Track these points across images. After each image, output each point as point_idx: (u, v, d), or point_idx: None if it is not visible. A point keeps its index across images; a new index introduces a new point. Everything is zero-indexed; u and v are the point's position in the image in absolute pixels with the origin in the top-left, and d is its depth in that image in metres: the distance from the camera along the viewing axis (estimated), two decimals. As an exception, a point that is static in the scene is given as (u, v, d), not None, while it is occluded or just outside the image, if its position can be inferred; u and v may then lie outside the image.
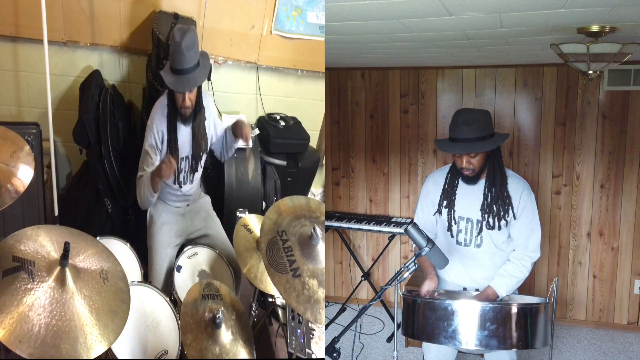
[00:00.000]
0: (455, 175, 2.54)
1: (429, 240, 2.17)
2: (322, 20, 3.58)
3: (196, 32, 2.67)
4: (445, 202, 2.55)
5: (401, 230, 4.04)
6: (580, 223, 4.03)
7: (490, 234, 2.49)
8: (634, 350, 3.79)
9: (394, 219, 4.29)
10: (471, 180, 2.48)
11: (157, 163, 2.76)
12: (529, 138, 4.03)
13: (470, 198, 2.51)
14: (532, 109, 4.01)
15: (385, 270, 4.58)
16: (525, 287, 3.92)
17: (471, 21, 1.95)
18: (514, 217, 2.46)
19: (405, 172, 4.39)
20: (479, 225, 2.50)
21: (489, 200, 2.46)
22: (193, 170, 2.94)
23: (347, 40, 2.57)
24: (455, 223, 2.53)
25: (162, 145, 2.80)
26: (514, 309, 2.20)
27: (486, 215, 2.46)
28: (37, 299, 1.59)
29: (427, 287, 2.50)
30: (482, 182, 2.49)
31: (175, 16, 3.28)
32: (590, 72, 2.18)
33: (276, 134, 3.68)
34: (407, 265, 2.22)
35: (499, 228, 2.47)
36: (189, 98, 2.73)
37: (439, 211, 2.56)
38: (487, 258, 2.54)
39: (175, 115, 2.79)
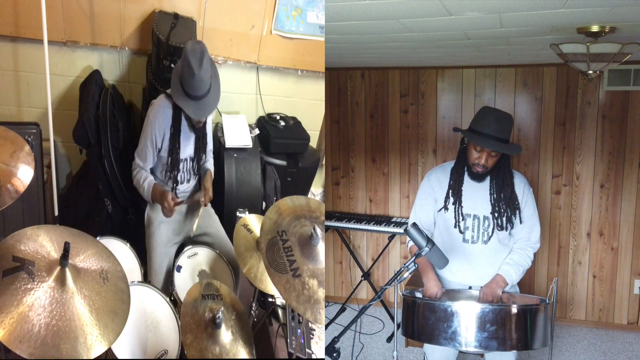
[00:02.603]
0: (461, 172, 2.54)
1: (428, 240, 2.17)
2: (322, 20, 3.58)
3: (206, 48, 2.69)
4: (452, 199, 2.55)
5: (401, 230, 4.04)
6: (580, 223, 4.03)
7: (497, 232, 2.53)
8: (633, 350, 3.79)
9: (393, 219, 4.29)
10: (479, 177, 2.50)
11: (150, 157, 2.83)
12: (529, 138, 4.03)
13: (476, 195, 2.53)
14: (532, 109, 4.01)
15: (385, 270, 4.58)
16: (525, 287, 3.94)
17: (471, 21, 1.95)
18: (520, 221, 2.52)
19: (405, 172, 4.39)
20: (487, 222, 2.52)
21: (498, 202, 2.49)
22: (194, 173, 2.98)
23: (347, 40, 2.57)
24: (463, 219, 2.54)
25: (163, 143, 2.82)
26: (514, 310, 2.20)
27: (497, 215, 2.50)
28: (37, 299, 1.59)
29: (433, 293, 2.50)
30: (487, 181, 2.52)
31: (175, 16, 3.27)
32: (590, 72, 2.18)
33: (276, 134, 3.68)
34: (407, 265, 2.22)
35: (507, 229, 2.52)
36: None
37: (445, 207, 2.57)
38: (493, 254, 2.57)
39: (180, 120, 2.80)
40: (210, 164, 3.10)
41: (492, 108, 2.54)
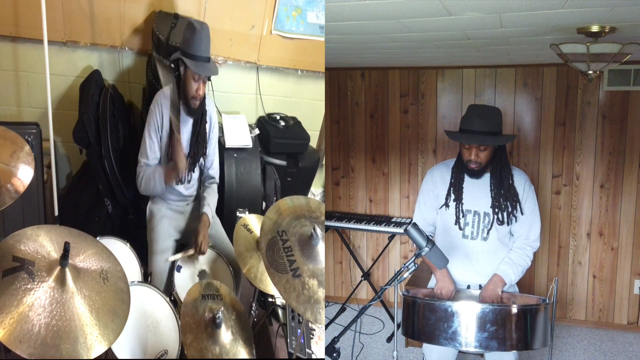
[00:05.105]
0: (461, 170, 2.56)
1: (428, 240, 2.17)
2: (322, 20, 3.58)
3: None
4: (453, 195, 2.57)
5: (401, 230, 4.03)
6: (580, 223, 4.03)
7: (497, 228, 2.53)
8: (633, 350, 3.79)
9: (393, 219, 4.29)
10: (475, 174, 2.52)
11: (156, 148, 2.80)
12: (529, 138, 4.03)
13: (476, 192, 2.54)
14: (532, 109, 4.01)
15: (385, 270, 4.58)
16: (525, 287, 3.93)
17: (471, 21, 1.95)
18: (522, 213, 2.53)
19: (405, 172, 4.39)
20: (487, 218, 2.53)
21: (498, 196, 2.50)
22: (189, 169, 2.93)
23: (347, 40, 2.57)
24: (463, 216, 2.55)
25: (162, 131, 2.79)
26: (514, 310, 2.20)
27: (497, 210, 2.51)
28: (37, 299, 1.59)
29: (449, 291, 2.54)
30: (486, 177, 2.53)
31: (175, 16, 3.28)
32: (590, 72, 2.18)
33: (276, 134, 3.68)
34: (407, 265, 2.22)
35: (508, 223, 2.52)
36: (203, 88, 2.75)
37: (447, 204, 2.58)
38: (493, 252, 2.57)
39: (179, 107, 2.77)
40: (208, 207, 2.90)
41: (476, 105, 2.59)
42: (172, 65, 2.76)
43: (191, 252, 2.75)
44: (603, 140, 3.89)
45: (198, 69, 2.67)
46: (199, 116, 2.86)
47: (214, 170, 3.06)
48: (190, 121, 2.85)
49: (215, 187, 3.05)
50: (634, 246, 3.94)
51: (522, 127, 4.04)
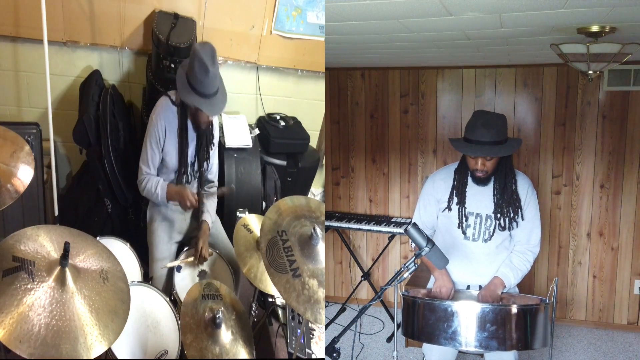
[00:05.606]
0: (464, 174, 2.55)
1: (428, 241, 2.17)
2: (322, 20, 3.58)
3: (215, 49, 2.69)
4: (456, 199, 2.56)
5: (401, 230, 4.03)
6: (580, 223, 4.03)
7: (499, 232, 2.54)
8: (633, 351, 3.79)
9: (393, 219, 4.29)
10: (482, 181, 2.51)
11: (157, 159, 2.79)
12: (529, 138, 4.03)
13: (479, 195, 2.55)
14: (532, 109, 4.01)
15: (385, 270, 4.58)
16: (525, 287, 3.93)
17: (471, 21, 1.95)
18: (522, 219, 2.52)
19: (405, 172, 4.39)
20: (489, 221, 2.53)
21: (501, 202, 2.50)
22: (194, 177, 2.93)
23: (347, 40, 2.57)
24: (466, 219, 2.55)
25: (165, 145, 2.79)
26: (514, 310, 2.20)
27: (499, 215, 2.50)
28: (37, 299, 1.59)
29: (448, 290, 2.54)
30: (490, 182, 2.52)
31: (175, 16, 3.28)
32: (590, 72, 2.18)
33: (276, 134, 3.68)
34: (407, 265, 2.22)
35: (509, 229, 2.52)
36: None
37: (449, 207, 2.57)
38: (494, 254, 2.57)
39: (187, 120, 2.78)
40: (207, 214, 2.90)
41: (481, 112, 2.52)
42: (179, 104, 2.76)
43: (191, 259, 2.75)
44: (603, 140, 3.89)
45: (212, 110, 2.69)
46: (209, 132, 2.88)
47: (213, 174, 3.04)
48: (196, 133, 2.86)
49: (214, 190, 3.05)
50: (634, 246, 3.94)
51: (522, 127, 4.04)
